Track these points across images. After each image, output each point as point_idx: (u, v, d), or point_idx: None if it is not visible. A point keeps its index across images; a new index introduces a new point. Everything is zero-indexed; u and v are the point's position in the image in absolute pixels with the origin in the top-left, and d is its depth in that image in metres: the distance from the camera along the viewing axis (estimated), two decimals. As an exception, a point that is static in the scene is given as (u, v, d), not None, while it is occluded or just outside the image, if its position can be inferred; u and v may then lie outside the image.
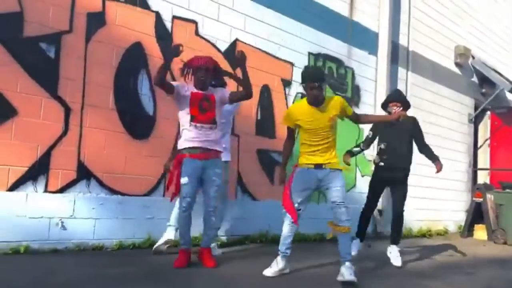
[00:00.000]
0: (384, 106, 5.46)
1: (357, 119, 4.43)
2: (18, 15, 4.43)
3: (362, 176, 8.13)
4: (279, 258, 4.14)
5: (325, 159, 4.07)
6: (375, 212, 8.10)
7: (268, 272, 4.08)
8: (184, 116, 4.24)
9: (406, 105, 5.30)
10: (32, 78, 4.49)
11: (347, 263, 3.96)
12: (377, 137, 5.44)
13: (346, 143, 7.71)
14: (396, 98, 5.37)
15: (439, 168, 5.10)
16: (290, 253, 4.17)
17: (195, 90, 4.25)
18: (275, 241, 5.45)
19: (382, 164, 5.23)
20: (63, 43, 4.71)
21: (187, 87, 4.27)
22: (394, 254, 5.13)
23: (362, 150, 5.58)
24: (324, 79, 4.13)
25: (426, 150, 5.33)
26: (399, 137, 5.16)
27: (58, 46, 4.67)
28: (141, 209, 5.16)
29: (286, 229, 4.15)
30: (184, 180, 4.13)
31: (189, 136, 4.19)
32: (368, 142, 5.52)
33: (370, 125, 5.79)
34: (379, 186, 5.42)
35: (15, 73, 4.39)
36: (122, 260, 4.40)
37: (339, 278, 3.89)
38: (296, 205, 4.10)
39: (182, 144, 4.23)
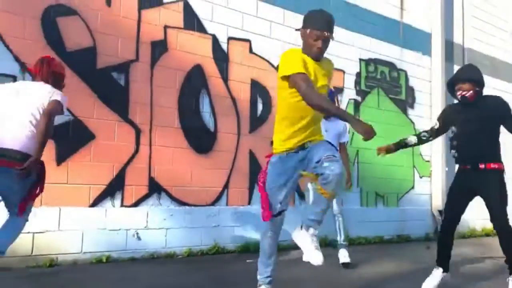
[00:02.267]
0: (451, 88, 4.01)
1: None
2: (92, 49, 4.96)
3: (421, 177, 8.16)
4: None
5: (308, 136, 3.03)
6: (436, 212, 8.14)
7: None
8: None
9: (480, 86, 3.84)
10: (105, 104, 5.00)
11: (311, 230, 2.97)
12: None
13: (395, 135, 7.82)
14: (464, 76, 3.87)
15: None
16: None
17: None
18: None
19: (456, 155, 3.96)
20: (131, 71, 5.20)
21: None
22: None
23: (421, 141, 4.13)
24: (333, 29, 3.01)
25: None
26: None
27: (127, 74, 5.17)
28: (207, 218, 5.57)
29: (267, 242, 3.17)
30: None
31: None
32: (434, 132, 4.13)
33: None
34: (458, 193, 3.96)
35: (91, 102, 4.92)
36: (192, 267, 4.78)
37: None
38: (278, 205, 3.10)
39: None
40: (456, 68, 9.03)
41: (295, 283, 4.15)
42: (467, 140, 3.83)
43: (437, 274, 3.92)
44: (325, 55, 3.09)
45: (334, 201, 4.84)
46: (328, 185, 2.79)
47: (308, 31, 2.96)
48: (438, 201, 8.14)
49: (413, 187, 8.01)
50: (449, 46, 8.83)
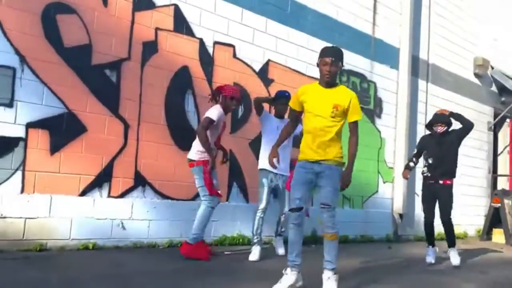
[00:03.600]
0: (429, 126, 6.15)
1: (350, 134, 3.80)
2: (88, 46, 5.21)
3: (384, 182, 8.71)
4: (288, 270, 3.65)
5: (324, 156, 3.65)
6: (396, 215, 8.71)
7: None
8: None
9: (449, 125, 5.96)
10: (98, 99, 5.26)
11: (328, 272, 3.63)
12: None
13: (367, 152, 8.38)
14: (440, 119, 5.97)
15: None
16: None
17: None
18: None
19: (429, 175, 5.96)
20: (123, 69, 5.48)
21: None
22: (451, 255, 5.88)
23: (415, 164, 6.32)
24: (339, 57, 3.79)
25: None
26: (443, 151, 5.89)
27: (119, 71, 5.44)
28: (188, 212, 5.86)
29: (291, 233, 3.73)
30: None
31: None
32: (417, 157, 6.29)
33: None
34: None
35: (85, 96, 5.17)
36: (173, 256, 5.03)
37: None
38: (297, 201, 3.68)
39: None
40: (420, 82, 9.68)
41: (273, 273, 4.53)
42: (435, 165, 5.88)
43: (432, 249, 6.03)
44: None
45: None
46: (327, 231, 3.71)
47: (319, 61, 3.81)
48: (399, 205, 8.71)
49: (377, 191, 8.55)
50: (415, 62, 9.44)
